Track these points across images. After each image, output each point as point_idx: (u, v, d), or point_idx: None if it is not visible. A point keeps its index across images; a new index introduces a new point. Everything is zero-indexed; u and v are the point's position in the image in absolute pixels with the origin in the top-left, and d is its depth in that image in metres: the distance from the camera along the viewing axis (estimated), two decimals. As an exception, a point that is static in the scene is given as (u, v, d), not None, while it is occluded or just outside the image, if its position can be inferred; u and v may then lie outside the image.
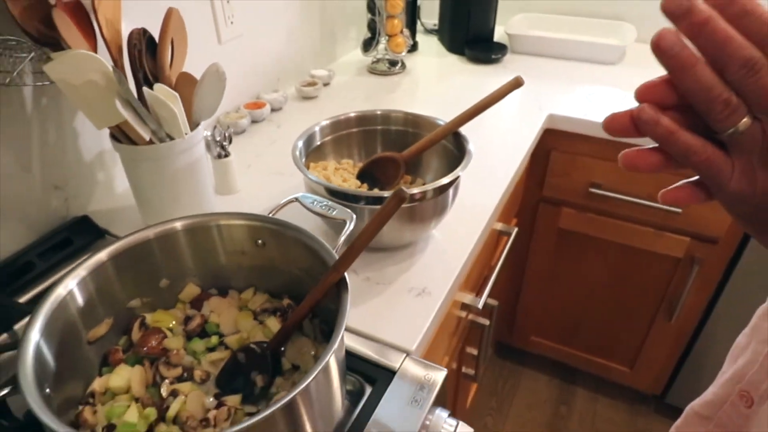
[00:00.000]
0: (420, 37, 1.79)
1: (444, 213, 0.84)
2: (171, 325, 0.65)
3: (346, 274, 0.55)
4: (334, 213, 0.67)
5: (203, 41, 1.13)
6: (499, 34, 1.72)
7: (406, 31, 1.54)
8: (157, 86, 0.77)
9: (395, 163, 0.90)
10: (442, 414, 0.68)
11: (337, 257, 0.56)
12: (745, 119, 0.31)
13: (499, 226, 1.20)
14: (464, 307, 1.06)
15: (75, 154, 0.94)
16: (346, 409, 0.65)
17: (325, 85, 1.46)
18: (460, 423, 0.67)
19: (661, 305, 1.49)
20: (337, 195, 0.76)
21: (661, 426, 1.70)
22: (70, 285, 0.55)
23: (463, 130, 0.86)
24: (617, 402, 1.79)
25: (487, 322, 1.20)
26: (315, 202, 0.69)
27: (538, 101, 1.37)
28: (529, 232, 1.55)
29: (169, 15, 0.82)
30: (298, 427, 0.48)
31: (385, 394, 0.66)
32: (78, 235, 0.91)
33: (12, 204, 0.85)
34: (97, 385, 0.58)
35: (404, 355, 0.71)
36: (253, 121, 1.27)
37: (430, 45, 1.79)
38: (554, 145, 1.37)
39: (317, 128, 0.91)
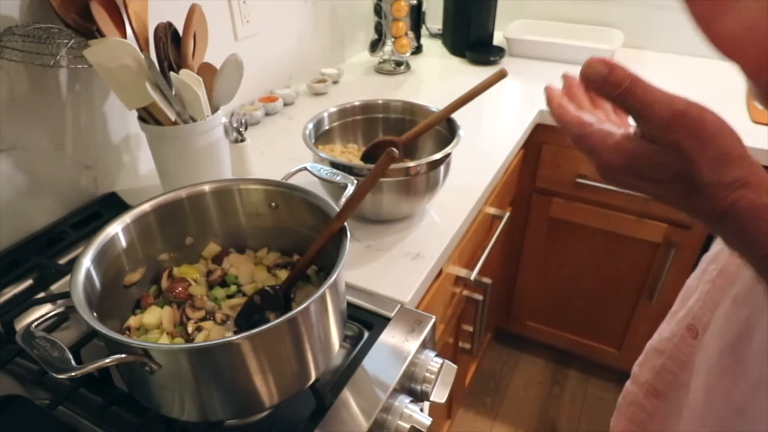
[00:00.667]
0: (425, 41, 1.89)
1: (436, 188, 0.93)
2: (195, 277, 0.74)
3: (347, 225, 0.65)
4: (338, 179, 0.76)
5: (221, 38, 1.23)
6: (498, 39, 1.82)
7: (411, 34, 1.64)
8: (183, 72, 0.87)
9: (395, 146, 0.99)
10: (429, 353, 0.77)
11: (338, 210, 0.65)
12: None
13: (492, 210, 1.29)
14: (458, 281, 1.14)
15: (104, 136, 1.04)
16: (347, 352, 0.74)
17: (335, 82, 1.56)
18: (445, 362, 0.76)
19: (643, 288, 1.58)
20: (340, 168, 0.86)
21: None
22: (117, 227, 0.65)
23: (461, 122, 0.95)
24: (607, 383, 1.88)
25: (480, 297, 1.28)
26: (321, 170, 0.78)
27: (531, 98, 1.46)
28: (524, 221, 1.64)
29: (192, 10, 0.92)
30: (299, 343, 0.57)
31: (380, 337, 0.75)
32: (107, 209, 1.00)
33: (47, 180, 0.95)
34: (132, 321, 0.67)
35: (398, 305, 0.80)
36: (267, 114, 1.37)
37: (434, 48, 1.89)
38: (545, 139, 1.46)
39: (326, 114, 1.01)
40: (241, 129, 1.08)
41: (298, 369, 0.60)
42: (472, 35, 1.75)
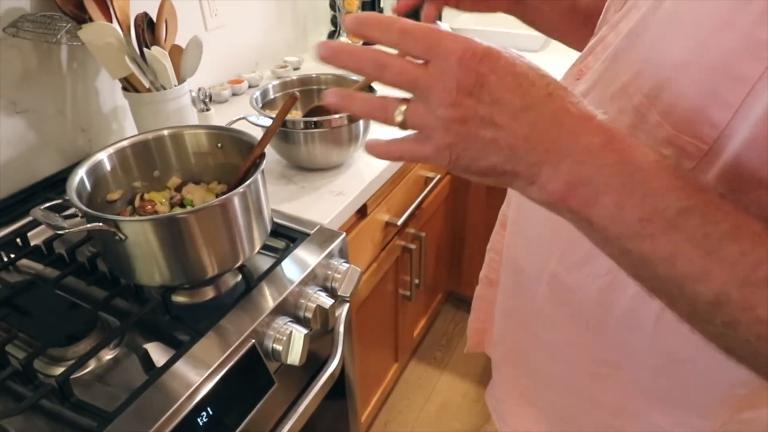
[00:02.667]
0: (381, 34, 2.14)
1: (358, 139, 1.18)
2: (161, 200, 0.99)
3: (264, 151, 0.89)
4: (266, 122, 1.01)
5: (192, 28, 1.48)
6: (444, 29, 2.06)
7: (363, 26, 1.89)
8: (154, 48, 1.12)
9: (327, 111, 1.23)
10: (340, 260, 1.01)
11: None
12: (401, 108, 0.41)
13: (424, 172, 1.54)
14: (388, 227, 1.39)
15: (96, 106, 1.29)
16: (275, 260, 0.98)
17: (295, 69, 1.81)
18: (351, 266, 1.01)
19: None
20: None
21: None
22: (103, 155, 0.90)
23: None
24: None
25: (414, 246, 1.53)
26: (258, 119, 1.03)
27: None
28: (465, 188, 1.88)
29: (163, 3, 1.17)
30: (229, 225, 0.82)
31: (299, 246, 0.99)
32: (98, 163, 1.25)
33: (51, 138, 1.20)
34: (113, 226, 0.92)
35: (318, 226, 1.04)
36: (234, 94, 1.62)
37: (389, 40, 2.14)
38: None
39: (270, 86, 1.26)
40: (206, 101, 1.33)
41: (230, 248, 0.84)
42: (419, 27, 2.00)
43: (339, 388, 1.18)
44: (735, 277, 0.36)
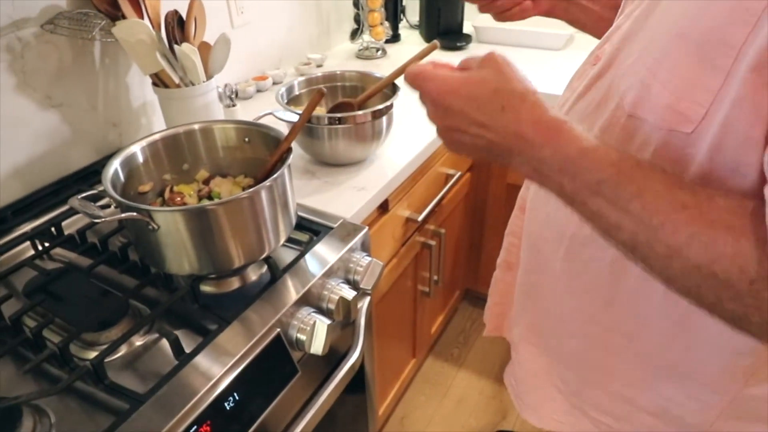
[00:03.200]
0: (404, 31, 2.17)
1: (381, 136, 1.20)
2: (189, 193, 1.02)
3: (291, 145, 0.92)
4: (293, 118, 1.03)
5: (220, 26, 1.51)
6: (468, 28, 2.09)
7: (387, 23, 1.91)
8: (184, 45, 1.15)
9: (351, 107, 1.26)
10: (362, 254, 1.04)
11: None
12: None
13: (445, 169, 1.56)
14: (409, 222, 1.41)
15: (126, 101, 1.33)
16: (299, 253, 1.01)
17: (318, 66, 1.83)
18: (373, 259, 1.03)
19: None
20: (302, 119, 1.14)
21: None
22: (136, 147, 0.93)
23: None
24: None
25: (434, 242, 1.55)
26: (284, 115, 1.06)
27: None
28: (486, 186, 1.90)
29: (193, 2, 1.20)
30: (256, 217, 0.84)
31: (323, 239, 1.02)
32: (128, 156, 1.29)
33: (83, 131, 1.24)
34: (143, 217, 0.95)
35: (341, 220, 1.07)
36: (258, 90, 1.65)
37: (412, 37, 2.16)
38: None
39: (295, 82, 1.29)
40: (232, 96, 1.36)
41: (256, 240, 0.87)
42: (442, 25, 2.02)
43: (358, 381, 1.21)
44: (640, 226, 0.48)
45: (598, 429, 0.80)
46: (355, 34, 1.93)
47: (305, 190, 1.16)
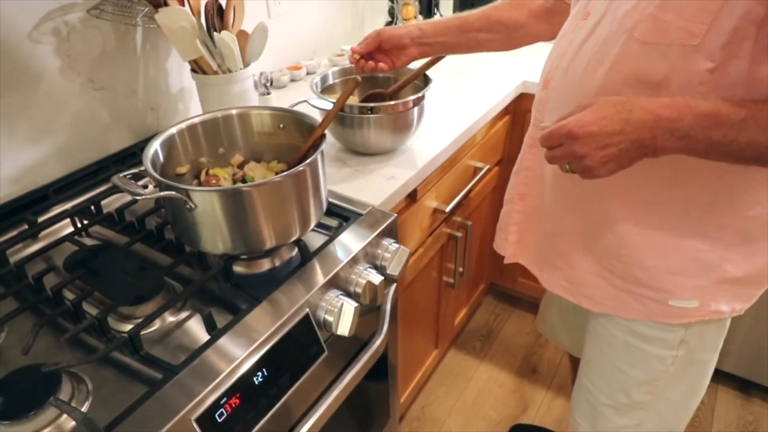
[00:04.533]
0: (437, 26, 2.17)
1: (412, 127, 1.22)
2: (224, 176, 1.05)
3: (326, 132, 0.94)
4: (327, 106, 1.06)
5: (257, 15, 1.54)
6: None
7: (420, 17, 1.92)
8: (223, 33, 1.18)
9: (383, 97, 1.28)
10: (390, 240, 1.05)
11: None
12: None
13: (473, 162, 1.57)
14: (436, 213, 1.42)
15: (165, 86, 1.36)
16: (328, 237, 1.03)
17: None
18: (401, 246, 1.05)
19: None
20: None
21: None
22: (175, 129, 0.96)
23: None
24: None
25: (460, 234, 1.56)
26: (318, 103, 1.08)
27: (516, 70, 1.72)
28: (513, 182, 1.90)
29: (233, -10, 1.23)
30: (289, 199, 0.87)
31: (352, 225, 1.04)
32: (165, 140, 1.33)
33: (123, 114, 1.28)
34: (180, 197, 0.98)
35: (370, 207, 1.09)
36: (292, 80, 1.68)
37: (445, 32, 2.17)
38: (529, 107, 1.72)
39: (329, 72, 1.31)
40: (267, 85, 1.39)
41: (287, 223, 0.90)
42: (475, 19, 2.02)
43: (382, 367, 1.23)
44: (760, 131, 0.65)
45: (642, 305, 0.91)
46: (389, 26, 1.95)
47: (336, 177, 1.18)
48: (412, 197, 1.28)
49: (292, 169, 0.86)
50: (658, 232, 0.84)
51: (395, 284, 1.12)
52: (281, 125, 1.05)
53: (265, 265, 0.99)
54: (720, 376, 1.88)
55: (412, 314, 1.51)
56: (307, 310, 0.86)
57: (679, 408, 1.01)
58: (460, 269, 1.66)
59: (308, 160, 0.88)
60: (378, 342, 1.02)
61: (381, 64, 1.11)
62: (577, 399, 1.11)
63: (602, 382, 1.03)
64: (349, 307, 0.90)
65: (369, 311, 1.07)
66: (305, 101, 1.10)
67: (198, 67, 1.23)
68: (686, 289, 0.86)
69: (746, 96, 0.68)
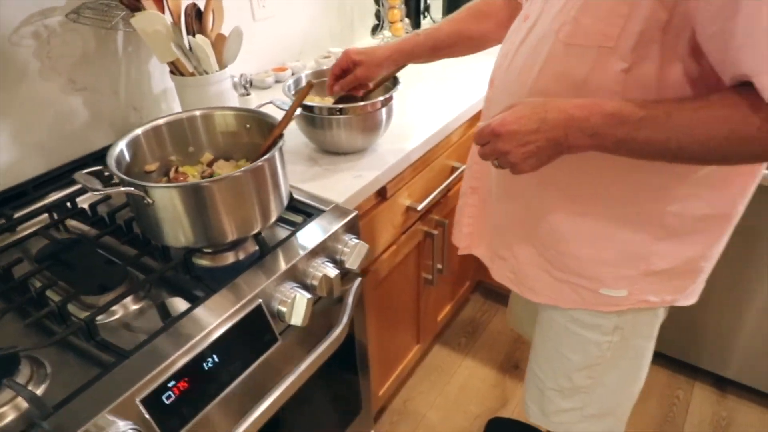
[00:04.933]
0: (427, 28, 2.21)
1: (381, 127, 1.26)
2: (193, 174, 1.10)
3: (284, 132, 0.99)
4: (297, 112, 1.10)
5: (241, 18, 1.59)
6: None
7: (407, 20, 1.96)
8: (198, 36, 1.23)
9: (356, 99, 1.32)
10: (350, 235, 1.10)
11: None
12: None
13: (451, 162, 1.60)
14: (410, 211, 1.46)
15: (147, 87, 1.42)
16: (291, 232, 1.07)
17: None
18: (360, 241, 1.09)
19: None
20: (307, 108, 1.20)
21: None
22: (140, 130, 1.02)
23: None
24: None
25: (436, 232, 1.60)
26: (283, 104, 1.12)
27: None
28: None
29: (210, -5, 1.28)
30: (247, 195, 0.92)
31: (314, 220, 1.08)
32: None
33: (106, 114, 1.33)
34: (148, 193, 1.03)
35: (334, 203, 1.13)
36: (277, 81, 1.72)
37: (434, 34, 2.21)
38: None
39: (303, 74, 1.35)
40: (246, 86, 1.44)
41: (247, 217, 0.94)
42: (463, 23, 2.06)
43: (349, 358, 1.27)
44: (680, 133, 0.69)
45: (577, 294, 0.96)
46: (375, 30, 1.99)
47: (305, 175, 1.23)
48: (382, 195, 1.32)
49: (250, 165, 0.91)
50: (589, 224, 0.89)
51: (359, 279, 1.16)
52: (248, 125, 1.10)
53: (229, 258, 1.04)
54: (697, 373, 1.90)
55: (388, 309, 1.55)
56: (260, 300, 0.91)
57: (618, 392, 1.06)
58: (439, 266, 1.70)
59: (266, 156, 0.92)
60: (338, 331, 1.07)
61: (358, 72, 1.17)
62: (528, 385, 1.16)
63: (548, 367, 1.09)
64: (302, 298, 0.94)
65: (334, 304, 1.12)
66: (271, 102, 1.14)
67: (176, 69, 1.28)
68: (616, 278, 0.90)
69: (658, 97, 0.72)
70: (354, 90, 1.21)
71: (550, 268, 0.96)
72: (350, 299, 1.12)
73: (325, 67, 1.39)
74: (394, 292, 1.55)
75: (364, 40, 2.13)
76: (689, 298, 0.95)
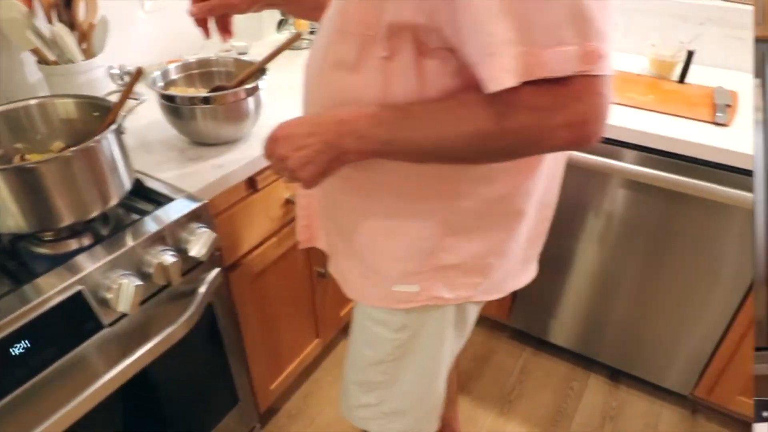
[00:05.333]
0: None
1: (248, 117, 1.27)
2: (41, 161, 1.09)
3: (117, 118, 0.99)
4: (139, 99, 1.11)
5: (130, 9, 1.58)
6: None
7: (313, 16, 1.97)
8: (57, 25, 1.23)
9: (225, 90, 1.32)
10: (199, 225, 1.10)
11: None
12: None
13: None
14: (289, 204, 1.47)
15: (22, 76, 1.40)
16: (136, 220, 1.07)
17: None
18: (208, 231, 1.10)
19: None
20: (167, 98, 1.21)
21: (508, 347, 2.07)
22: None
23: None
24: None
25: (324, 225, 1.61)
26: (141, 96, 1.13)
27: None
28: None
29: (78, -17, 1.28)
30: (75, 178, 0.92)
31: (162, 208, 1.08)
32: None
33: (-25, 103, 1.32)
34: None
35: (185, 192, 1.13)
36: (172, 74, 1.72)
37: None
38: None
39: (171, 67, 1.35)
40: (124, 77, 1.43)
41: (82, 200, 0.95)
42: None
43: (214, 348, 1.28)
44: (434, 132, 0.72)
45: (374, 289, 0.96)
46: (281, 25, 2.00)
47: (167, 165, 1.23)
48: (253, 187, 1.32)
49: (80, 146, 0.91)
50: (382, 220, 0.89)
51: (216, 269, 1.17)
52: (96, 113, 1.10)
53: (72, 245, 1.03)
54: (593, 366, 1.95)
55: (273, 302, 1.56)
56: (81, 287, 0.91)
57: (413, 392, 1.06)
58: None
59: (96, 137, 0.93)
60: (183, 318, 1.07)
61: None
62: (341, 381, 1.17)
63: (350, 361, 1.11)
64: (128, 284, 0.94)
65: (190, 294, 1.12)
66: (117, 92, 1.14)
67: (41, 59, 1.27)
68: (408, 274, 0.91)
69: (421, 87, 0.74)
70: (223, 18, 1.08)
71: (358, 264, 0.97)
72: (203, 288, 1.13)
73: (187, 61, 1.39)
74: (277, 285, 1.55)
75: (271, 37, 2.13)
76: (487, 294, 0.96)
